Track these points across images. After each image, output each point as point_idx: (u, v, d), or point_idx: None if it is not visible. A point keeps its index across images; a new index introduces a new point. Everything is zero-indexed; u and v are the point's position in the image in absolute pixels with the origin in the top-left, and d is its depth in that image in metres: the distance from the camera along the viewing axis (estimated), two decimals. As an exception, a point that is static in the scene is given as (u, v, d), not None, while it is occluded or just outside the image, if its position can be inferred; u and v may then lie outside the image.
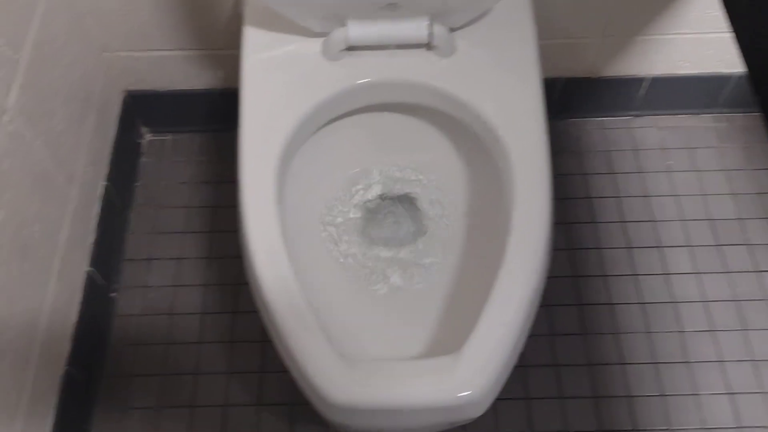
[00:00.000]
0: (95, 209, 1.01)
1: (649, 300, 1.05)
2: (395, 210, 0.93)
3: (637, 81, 1.14)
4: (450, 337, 0.75)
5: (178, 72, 1.09)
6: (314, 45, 0.83)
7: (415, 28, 0.80)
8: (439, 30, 0.80)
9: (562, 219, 1.11)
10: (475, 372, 0.65)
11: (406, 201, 0.93)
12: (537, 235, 0.73)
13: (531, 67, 0.83)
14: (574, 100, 1.18)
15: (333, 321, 0.80)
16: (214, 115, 1.17)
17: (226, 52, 1.05)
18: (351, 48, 0.81)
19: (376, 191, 0.93)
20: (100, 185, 1.03)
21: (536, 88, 0.82)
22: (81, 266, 0.96)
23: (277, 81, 0.81)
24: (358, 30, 0.80)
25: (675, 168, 1.16)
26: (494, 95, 0.80)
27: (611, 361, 1.01)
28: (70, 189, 0.93)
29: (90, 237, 0.99)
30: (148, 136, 1.20)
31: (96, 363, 0.99)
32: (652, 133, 1.19)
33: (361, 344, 0.78)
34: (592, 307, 1.05)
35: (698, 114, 1.20)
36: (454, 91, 0.81)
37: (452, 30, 0.82)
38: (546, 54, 1.07)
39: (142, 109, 1.16)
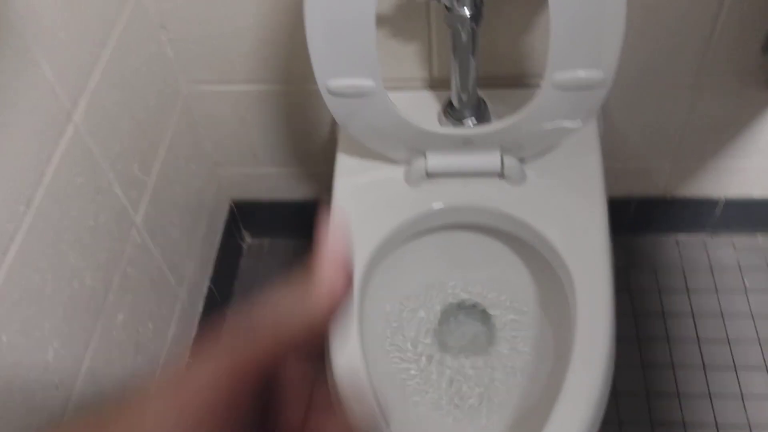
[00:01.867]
0: (200, 307, 1.13)
1: (723, 421, 1.04)
2: (468, 319, 0.99)
3: (711, 202, 1.17)
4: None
5: (279, 185, 1.22)
6: (397, 172, 0.93)
7: (488, 161, 0.88)
8: (510, 162, 0.88)
9: (636, 335, 1.14)
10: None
11: (478, 311, 0.99)
12: (598, 355, 0.77)
13: (596, 194, 0.89)
14: (649, 218, 1.22)
15: (403, 422, 0.86)
16: (308, 222, 1.28)
17: (321, 170, 1.17)
18: (430, 175, 0.91)
19: (450, 301, 1.00)
20: (205, 285, 1.16)
21: (600, 213, 0.87)
22: (184, 359, 1.07)
23: (364, 203, 0.91)
24: (436, 161, 0.89)
25: (752, 288, 1.16)
26: (560, 220, 0.87)
27: (684, 484, 1.00)
28: (180, 290, 1.06)
29: (193, 332, 1.11)
30: (248, 240, 1.33)
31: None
32: (728, 253, 1.21)
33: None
34: (665, 427, 1.05)
35: (776, 235, 1.21)
36: (522, 216, 0.88)
37: (522, 161, 0.90)
38: (619, 176, 1.13)
39: (245, 216, 1.29)
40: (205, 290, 1.15)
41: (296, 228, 1.30)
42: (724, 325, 1.13)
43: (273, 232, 1.32)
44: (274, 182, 1.22)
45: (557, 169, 0.91)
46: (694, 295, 1.17)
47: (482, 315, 0.99)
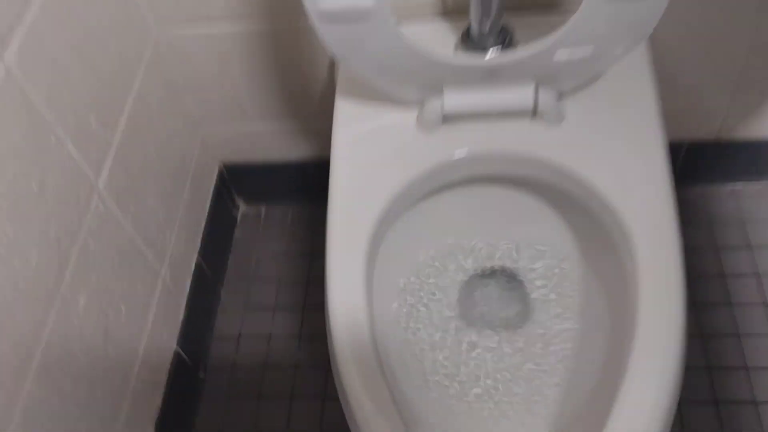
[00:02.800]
0: (186, 285, 0.99)
1: (802, 399, 0.89)
2: (498, 289, 0.85)
3: (776, 143, 1.01)
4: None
5: (273, 144, 1.07)
6: (408, 116, 0.77)
7: (518, 96, 0.72)
8: (546, 97, 0.72)
9: (692, 300, 0.98)
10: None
11: (510, 278, 0.84)
12: (670, 327, 0.64)
13: (652, 133, 0.73)
14: (702, 165, 1.06)
15: (417, 408, 0.73)
16: (309, 185, 1.14)
17: (320, 125, 1.02)
18: (448, 117, 0.75)
19: (476, 267, 0.85)
20: (192, 260, 1.01)
21: (659, 156, 0.72)
22: (169, 346, 0.93)
23: (369, 156, 0.76)
24: (455, 99, 0.73)
25: (826, 241, 1.00)
26: (609, 166, 0.71)
27: (758, 472, 0.86)
28: (160, 266, 0.91)
29: (180, 315, 0.97)
30: (242, 208, 1.19)
31: (182, 447, 0.95)
32: (796, 201, 1.05)
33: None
34: (731, 405, 0.90)
35: None
36: (562, 163, 0.72)
37: (561, 95, 0.74)
38: (668, 115, 0.96)
39: (237, 181, 1.14)
40: (192, 266, 1.01)
41: (295, 192, 1.16)
42: (796, 285, 0.98)
43: (270, 197, 1.17)
44: (268, 141, 1.07)
45: (603, 103, 0.75)
46: (758, 251, 1.02)
47: (515, 283, 0.84)
